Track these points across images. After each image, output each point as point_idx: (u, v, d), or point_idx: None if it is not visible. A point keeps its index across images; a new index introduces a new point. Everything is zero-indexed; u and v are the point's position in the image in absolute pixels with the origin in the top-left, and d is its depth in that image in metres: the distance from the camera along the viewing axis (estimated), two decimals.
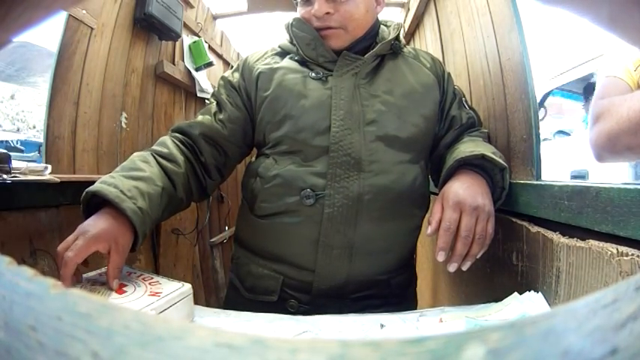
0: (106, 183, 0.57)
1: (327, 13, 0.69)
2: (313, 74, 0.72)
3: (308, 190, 0.66)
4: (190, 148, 0.74)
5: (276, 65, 0.76)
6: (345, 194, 0.66)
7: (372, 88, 0.71)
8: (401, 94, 0.72)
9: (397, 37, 0.76)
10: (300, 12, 0.75)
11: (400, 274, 0.78)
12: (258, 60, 0.79)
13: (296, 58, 0.76)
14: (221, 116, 0.76)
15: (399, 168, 0.70)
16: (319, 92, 0.70)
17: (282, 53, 0.80)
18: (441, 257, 0.59)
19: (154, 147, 0.71)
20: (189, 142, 0.74)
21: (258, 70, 0.76)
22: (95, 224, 0.53)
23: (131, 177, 0.60)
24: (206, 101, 0.81)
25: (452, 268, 0.59)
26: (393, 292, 0.76)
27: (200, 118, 0.77)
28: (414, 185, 0.71)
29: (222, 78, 0.82)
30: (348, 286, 0.71)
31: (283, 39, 0.81)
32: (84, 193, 0.57)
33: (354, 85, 0.70)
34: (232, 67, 0.85)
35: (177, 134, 0.75)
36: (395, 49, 0.76)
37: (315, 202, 0.66)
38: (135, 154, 0.68)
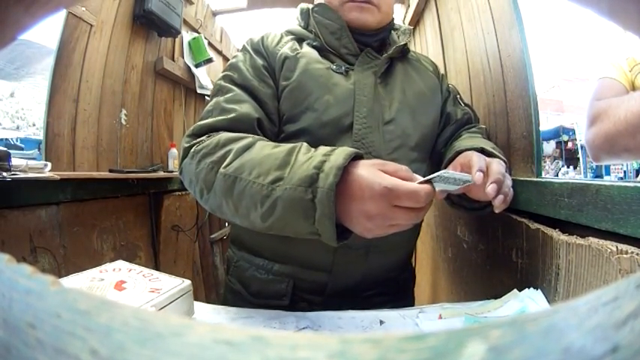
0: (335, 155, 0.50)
1: None
2: (335, 67, 0.69)
3: None
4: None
5: (299, 52, 0.70)
6: None
7: (388, 88, 0.71)
8: (413, 96, 0.72)
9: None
10: None
11: (405, 271, 0.81)
12: (277, 44, 0.72)
13: (314, 44, 0.72)
14: (265, 108, 0.67)
15: (412, 167, 0.69)
16: (343, 87, 0.67)
17: (299, 39, 0.74)
18: (492, 190, 0.53)
19: (220, 150, 0.57)
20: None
21: (284, 55, 0.69)
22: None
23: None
24: (226, 85, 0.68)
25: (498, 200, 0.54)
26: (400, 289, 0.78)
27: (240, 108, 0.64)
28: None
29: (236, 65, 0.69)
30: (361, 285, 0.70)
31: (293, 25, 0.77)
32: (341, 163, 0.48)
33: (374, 83, 0.69)
34: (240, 52, 0.73)
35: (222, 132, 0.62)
36: (404, 53, 0.77)
37: None
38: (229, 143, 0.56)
